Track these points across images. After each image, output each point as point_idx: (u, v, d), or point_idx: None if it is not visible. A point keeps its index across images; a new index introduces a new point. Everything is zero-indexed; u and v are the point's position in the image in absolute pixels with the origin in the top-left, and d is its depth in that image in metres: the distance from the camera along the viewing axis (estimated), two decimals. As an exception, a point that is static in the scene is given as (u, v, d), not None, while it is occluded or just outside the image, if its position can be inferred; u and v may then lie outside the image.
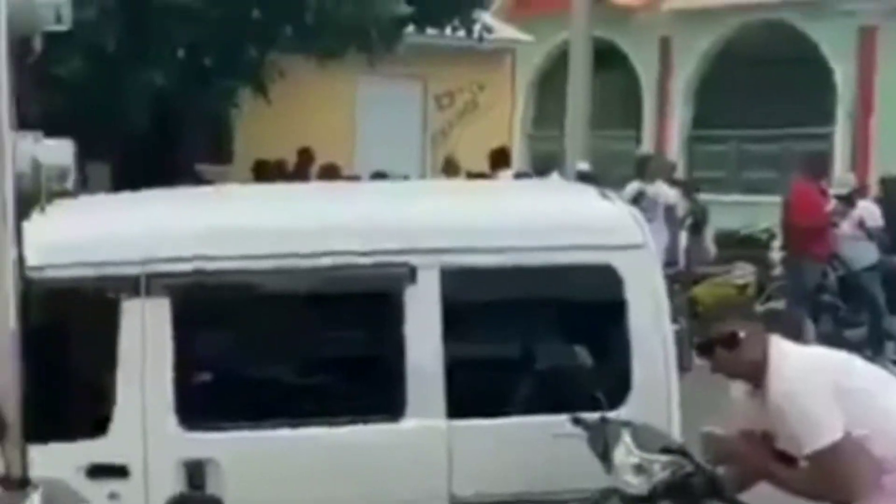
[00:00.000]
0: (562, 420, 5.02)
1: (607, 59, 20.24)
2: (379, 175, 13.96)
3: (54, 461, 4.27)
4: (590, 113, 17.31)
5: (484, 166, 14.38)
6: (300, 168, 14.77)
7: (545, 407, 5.15)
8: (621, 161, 16.56)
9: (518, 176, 14.25)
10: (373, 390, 5.22)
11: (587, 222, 5.38)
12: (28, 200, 3.27)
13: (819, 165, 14.75)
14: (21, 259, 3.32)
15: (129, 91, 11.18)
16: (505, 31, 18.22)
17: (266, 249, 5.10)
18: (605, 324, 5.28)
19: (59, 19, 2.97)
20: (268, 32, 11.81)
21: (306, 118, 15.52)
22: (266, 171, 13.86)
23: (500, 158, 14.76)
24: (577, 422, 5.00)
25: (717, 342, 4.71)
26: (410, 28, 13.34)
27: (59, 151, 3.21)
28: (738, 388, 4.89)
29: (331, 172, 13.97)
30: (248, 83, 13.00)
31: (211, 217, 5.37)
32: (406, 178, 14.32)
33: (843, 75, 19.90)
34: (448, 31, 14.19)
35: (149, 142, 12.58)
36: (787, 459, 4.73)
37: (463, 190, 7.21)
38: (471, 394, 5.12)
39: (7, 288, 3.25)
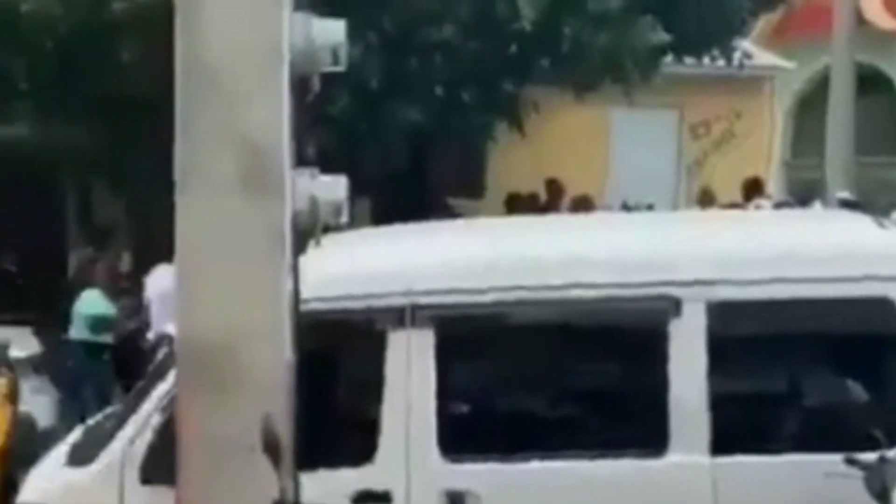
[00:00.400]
0: (834, 459, 4.82)
1: (871, 83, 19.46)
2: (627, 207, 13.81)
3: (323, 487, 4.39)
4: (853, 139, 16.67)
5: (739, 197, 14.03)
6: (551, 200, 14.79)
7: (816, 445, 4.97)
8: (888, 189, 15.86)
9: (779, 205, 13.83)
10: (634, 425, 5.15)
11: (862, 252, 5.18)
12: (304, 235, 3.37)
13: None
14: (296, 292, 3.42)
15: (388, 127, 11.49)
16: (764, 57, 17.79)
17: (526, 281, 5.13)
18: (883, 358, 5.05)
19: (336, 60, 3.08)
20: (524, 66, 11.91)
21: (559, 150, 15.53)
22: (518, 205, 13.94)
23: (753, 188, 14.40)
24: (851, 462, 4.78)
25: None
26: (668, 57, 13.20)
27: (334, 187, 3.30)
28: None
29: (584, 204, 13.92)
30: (504, 117, 13.12)
31: (472, 249, 5.44)
32: (650, 207, 14.09)
33: None
34: (706, 59, 13.96)
35: (405, 176, 12.88)
36: None
37: (725, 220, 7.07)
38: (737, 430, 4.99)
39: (283, 320, 3.35)
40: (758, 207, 13.04)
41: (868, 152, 18.63)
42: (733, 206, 13.31)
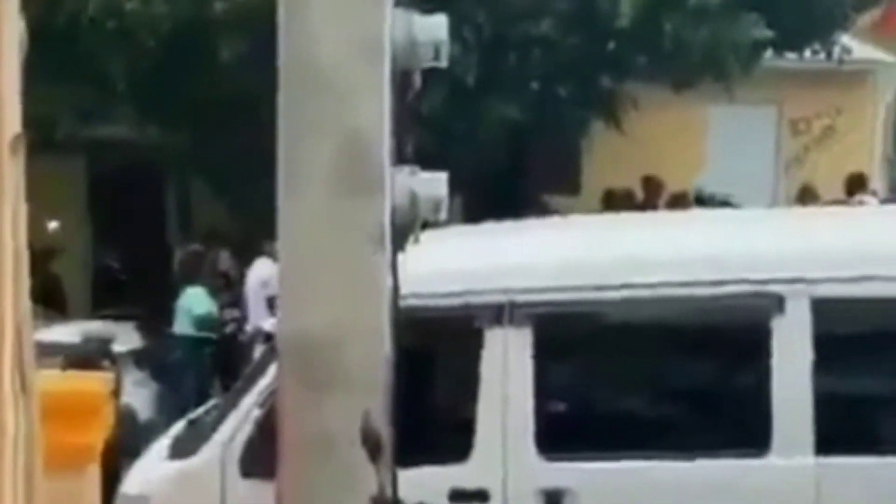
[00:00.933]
0: (944, 462, 4.71)
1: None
2: (701, 199, 13.64)
3: (421, 485, 4.40)
4: (957, 135, 16.28)
5: (840, 194, 13.78)
6: (649, 197, 14.66)
7: (925, 448, 4.85)
8: None
9: (886, 201, 13.58)
10: (735, 424, 5.08)
11: None
12: (403, 232, 3.38)
13: None
14: (396, 289, 3.43)
15: (485, 124, 11.48)
16: (865, 52, 17.45)
17: (625, 280, 5.08)
18: None
19: (437, 56, 3.08)
20: (622, 62, 11.83)
21: (656, 147, 15.39)
22: (615, 202, 13.84)
23: (857, 184, 14.16)
24: (960, 465, 4.67)
25: None
26: (768, 52, 13.04)
27: (434, 184, 3.30)
28: None
29: (681, 201, 13.79)
30: (600, 113, 13.05)
31: (569, 247, 5.41)
32: (726, 202, 13.85)
33: None
34: (807, 54, 13.77)
35: (500, 174, 12.86)
36: None
37: (828, 216, 6.95)
38: (842, 431, 4.89)
39: (383, 317, 3.37)
40: (860, 204, 12.80)
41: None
42: (837, 202, 13.09)
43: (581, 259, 5.24)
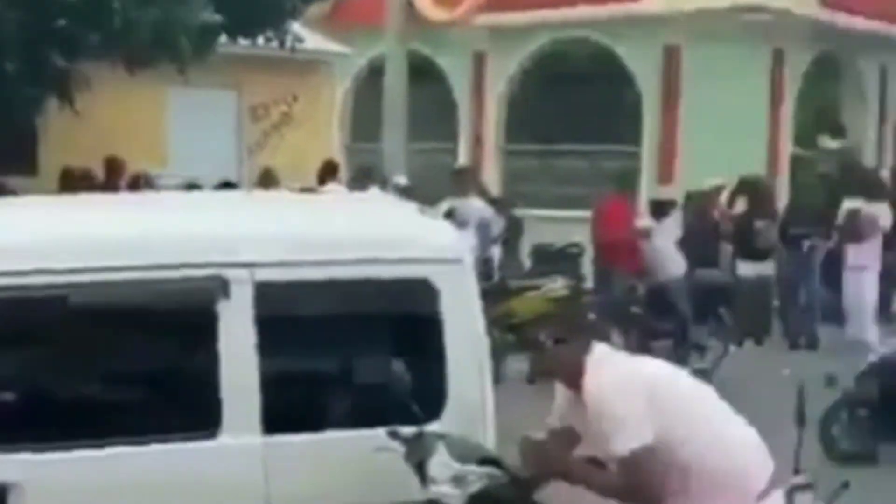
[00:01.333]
0: (379, 434, 5.02)
1: (424, 72, 20.41)
2: (193, 186, 13.73)
3: None
4: (407, 126, 17.45)
5: (302, 179, 14.30)
6: (109, 178, 14.41)
7: (362, 421, 5.14)
8: (440, 174, 16.70)
9: (351, 189, 14.25)
10: (187, 407, 5.10)
11: (405, 237, 5.40)
12: None
13: (627, 181, 15.39)
14: None
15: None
16: (320, 42, 18.17)
17: (74, 263, 4.93)
18: (422, 338, 5.29)
19: None
20: (73, 40, 11.47)
21: (116, 128, 15.15)
22: (72, 182, 13.45)
23: (328, 171, 14.81)
24: (393, 435, 5.00)
25: (533, 350, 4.85)
26: (224, 38, 13.18)
27: None
28: (563, 394, 5.01)
29: (139, 182, 13.72)
30: (53, 91, 12.60)
31: (17, 230, 5.17)
32: (233, 185, 14.02)
33: (649, 93, 20.51)
34: (260, 41, 14.07)
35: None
36: (598, 464, 4.85)
37: (280, 202, 7.14)
38: (287, 409, 5.06)
39: None
40: (327, 191, 13.35)
41: (421, 139, 19.57)
42: (308, 190, 13.53)
43: (25, 242, 5.01)
